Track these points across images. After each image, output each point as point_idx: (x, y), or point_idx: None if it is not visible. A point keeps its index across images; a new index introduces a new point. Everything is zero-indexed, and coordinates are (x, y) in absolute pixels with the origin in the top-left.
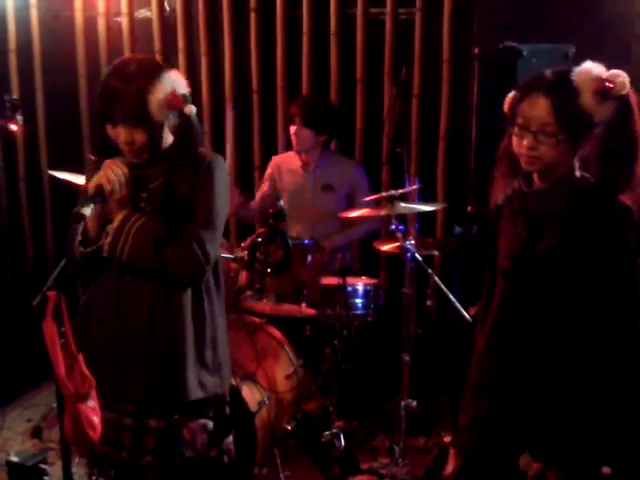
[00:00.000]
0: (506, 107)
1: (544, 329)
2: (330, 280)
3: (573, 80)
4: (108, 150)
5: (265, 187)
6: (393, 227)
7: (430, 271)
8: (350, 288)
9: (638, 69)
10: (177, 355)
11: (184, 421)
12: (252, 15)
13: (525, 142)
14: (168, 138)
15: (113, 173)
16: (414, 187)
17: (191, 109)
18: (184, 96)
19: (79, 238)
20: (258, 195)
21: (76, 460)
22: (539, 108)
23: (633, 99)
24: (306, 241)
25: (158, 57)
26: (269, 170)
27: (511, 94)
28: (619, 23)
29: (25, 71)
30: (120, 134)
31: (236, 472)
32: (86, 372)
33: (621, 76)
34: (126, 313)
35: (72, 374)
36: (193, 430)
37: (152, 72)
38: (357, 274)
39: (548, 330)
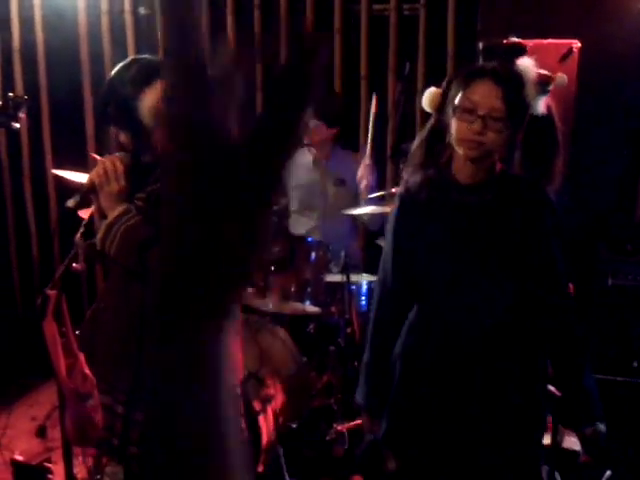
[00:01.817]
0: (429, 105)
1: (495, 322)
2: (334, 278)
3: (519, 71)
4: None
5: None
6: None
7: None
8: (354, 286)
9: None
10: None
11: None
12: (256, 12)
13: (474, 126)
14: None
15: (105, 167)
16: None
17: None
18: None
19: (82, 229)
20: None
21: (79, 459)
22: (489, 94)
23: (553, 104)
24: (310, 238)
25: (162, 55)
26: None
27: (430, 90)
28: (624, 18)
29: (29, 70)
30: (117, 134)
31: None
32: (87, 371)
33: (557, 74)
34: (120, 307)
35: (73, 373)
36: None
37: (147, 77)
38: (361, 271)
39: (487, 316)
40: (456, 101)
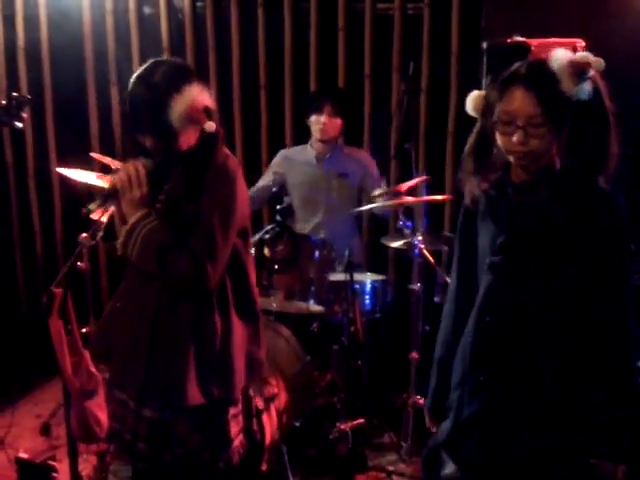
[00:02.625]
0: (472, 109)
1: (544, 322)
2: (337, 277)
3: (550, 67)
4: (136, 150)
5: (263, 182)
6: (401, 223)
7: (438, 267)
8: (357, 285)
9: None
10: (176, 359)
11: (177, 419)
12: (260, 10)
13: (515, 138)
14: (189, 141)
15: (127, 173)
16: (422, 178)
17: (210, 126)
18: (206, 110)
19: (100, 234)
20: (252, 190)
21: (84, 457)
22: (523, 101)
23: (603, 82)
24: (313, 237)
25: (166, 53)
26: (276, 163)
27: (473, 94)
28: (629, 17)
29: (34, 69)
30: (144, 139)
31: (244, 469)
32: (92, 369)
33: (591, 56)
34: (133, 309)
35: (78, 371)
36: (186, 430)
37: (175, 83)
38: (364, 270)
39: (549, 322)
40: (495, 114)
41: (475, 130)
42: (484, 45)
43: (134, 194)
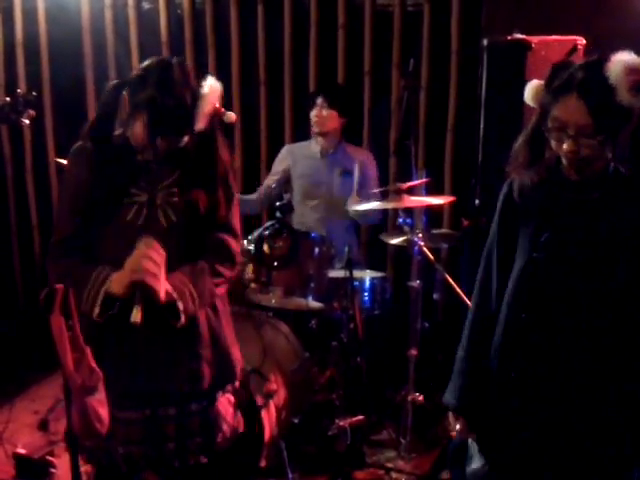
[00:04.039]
0: (530, 99)
1: (583, 322)
2: (337, 273)
3: (606, 76)
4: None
5: (270, 181)
6: (400, 220)
7: (437, 264)
8: (357, 281)
9: None
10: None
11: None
12: (259, 7)
13: (565, 147)
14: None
15: (154, 265)
16: (422, 180)
17: (230, 116)
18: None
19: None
20: (261, 189)
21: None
22: (574, 111)
23: None
24: (313, 234)
25: (165, 49)
26: (282, 156)
27: (533, 83)
28: (629, 14)
29: (32, 63)
30: (162, 142)
31: (243, 465)
32: (94, 365)
33: None
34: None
35: (80, 367)
36: (224, 404)
37: (195, 81)
38: (364, 267)
39: (583, 320)
40: (548, 117)
41: (532, 121)
42: (484, 42)
43: (148, 281)
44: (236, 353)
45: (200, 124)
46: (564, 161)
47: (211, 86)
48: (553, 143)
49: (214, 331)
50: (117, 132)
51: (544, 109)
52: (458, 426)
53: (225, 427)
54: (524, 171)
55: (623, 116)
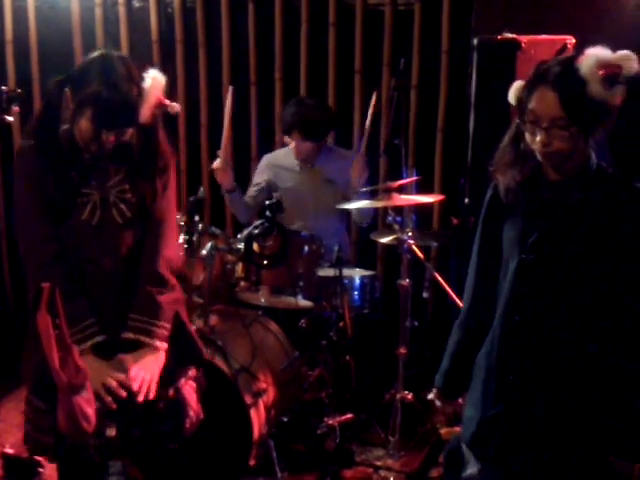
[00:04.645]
0: (512, 99)
1: (572, 320)
2: (326, 272)
3: (578, 70)
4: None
5: (252, 192)
6: (390, 219)
7: (427, 263)
8: (346, 280)
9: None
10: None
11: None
12: (250, 5)
13: (539, 138)
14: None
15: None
16: (412, 179)
17: (174, 107)
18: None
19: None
20: (250, 190)
21: None
22: (548, 103)
23: None
24: (302, 233)
25: (155, 47)
26: (261, 170)
27: (516, 84)
28: (618, 14)
29: (21, 61)
30: (108, 136)
31: (232, 463)
32: (80, 363)
33: (628, 58)
34: None
35: (66, 366)
36: (188, 390)
37: (139, 74)
38: (353, 266)
39: (575, 320)
40: (524, 111)
41: (514, 122)
42: (474, 41)
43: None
44: (196, 336)
45: (144, 117)
46: (539, 157)
47: (154, 78)
48: (528, 137)
49: (178, 317)
50: (63, 129)
51: (522, 105)
52: (438, 402)
53: (191, 413)
54: (508, 171)
55: (597, 110)
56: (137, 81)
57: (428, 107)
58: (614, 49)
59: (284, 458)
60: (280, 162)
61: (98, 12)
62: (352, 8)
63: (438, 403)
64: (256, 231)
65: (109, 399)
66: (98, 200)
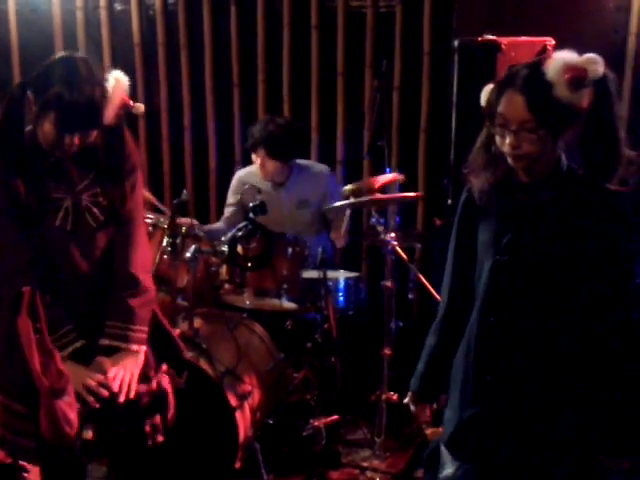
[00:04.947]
0: (483, 102)
1: (546, 320)
2: (311, 274)
3: (545, 73)
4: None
5: (232, 200)
6: (373, 220)
7: (411, 264)
8: (331, 282)
9: (617, 62)
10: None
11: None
12: (232, 8)
13: (508, 141)
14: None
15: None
16: (394, 176)
17: (139, 107)
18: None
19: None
20: (227, 210)
21: None
22: (516, 107)
23: (612, 81)
24: (287, 235)
25: (137, 50)
26: (234, 189)
27: (487, 87)
28: (599, 16)
29: (2, 64)
30: (72, 139)
31: (218, 466)
32: (62, 367)
33: (594, 61)
34: None
35: (48, 370)
36: (166, 383)
37: (101, 75)
38: (338, 267)
39: (549, 321)
40: (495, 118)
41: (485, 125)
42: (455, 43)
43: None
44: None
45: (108, 118)
46: (509, 159)
47: (117, 79)
48: (498, 140)
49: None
50: (26, 132)
51: (492, 108)
52: (412, 407)
53: (171, 404)
54: (481, 174)
55: (564, 113)
56: (100, 82)
57: (410, 108)
58: (594, 50)
59: (270, 460)
60: (252, 180)
61: (79, 15)
62: (334, 11)
63: (412, 407)
64: (240, 233)
65: (91, 399)
66: (70, 205)
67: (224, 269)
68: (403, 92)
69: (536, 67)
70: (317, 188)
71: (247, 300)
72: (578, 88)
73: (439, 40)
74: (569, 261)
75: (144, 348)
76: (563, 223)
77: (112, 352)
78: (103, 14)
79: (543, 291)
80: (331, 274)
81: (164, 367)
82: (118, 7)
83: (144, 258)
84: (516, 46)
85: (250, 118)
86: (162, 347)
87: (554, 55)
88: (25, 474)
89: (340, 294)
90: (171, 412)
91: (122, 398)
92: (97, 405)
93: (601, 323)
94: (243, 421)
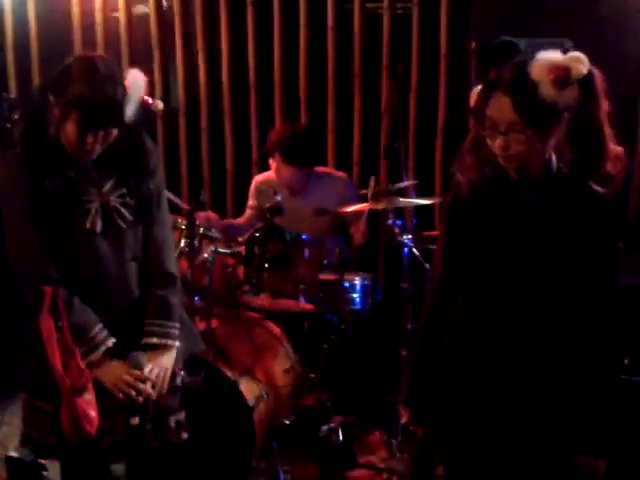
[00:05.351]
0: (472, 103)
1: (537, 320)
2: (328, 275)
3: (529, 73)
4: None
5: (252, 202)
6: (391, 222)
7: (427, 266)
8: (348, 283)
9: (635, 64)
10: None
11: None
12: (249, 9)
13: (497, 143)
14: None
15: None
16: (412, 182)
17: (158, 104)
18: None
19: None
20: (248, 212)
21: None
22: (503, 108)
23: (598, 79)
24: (304, 236)
25: (156, 53)
26: (252, 194)
27: (476, 89)
28: (617, 18)
29: (22, 66)
30: (95, 138)
31: (235, 466)
32: (83, 366)
33: (578, 60)
34: None
35: (69, 368)
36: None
37: (120, 74)
38: (355, 269)
39: (542, 320)
40: (479, 113)
41: (474, 126)
42: (473, 45)
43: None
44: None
45: (129, 117)
46: (500, 160)
47: (136, 77)
48: (489, 142)
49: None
50: (50, 135)
51: (479, 111)
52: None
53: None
54: (470, 174)
55: (551, 112)
56: (120, 81)
57: (427, 110)
58: (613, 53)
59: (287, 460)
60: (270, 186)
61: (98, 17)
62: (350, 12)
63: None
64: (257, 234)
65: (133, 393)
66: (99, 207)
67: (241, 270)
68: (420, 94)
69: (521, 68)
70: (336, 196)
71: (264, 301)
72: (563, 87)
73: (456, 42)
74: (563, 261)
75: (178, 343)
76: (556, 222)
77: (146, 348)
78: (122, 16)
79: (538, 290)
80: (348, 275)
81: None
82: (136, 10)
83: (175, 259)
84: (534, 47)
85: (267, 119)
86: (186, 343)
87: (537, 55)
88: (45, 472)
89: (357, 295)
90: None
91: (155, 395)
92: (140, 399)
93: (585, 321)
94: (260, 421)
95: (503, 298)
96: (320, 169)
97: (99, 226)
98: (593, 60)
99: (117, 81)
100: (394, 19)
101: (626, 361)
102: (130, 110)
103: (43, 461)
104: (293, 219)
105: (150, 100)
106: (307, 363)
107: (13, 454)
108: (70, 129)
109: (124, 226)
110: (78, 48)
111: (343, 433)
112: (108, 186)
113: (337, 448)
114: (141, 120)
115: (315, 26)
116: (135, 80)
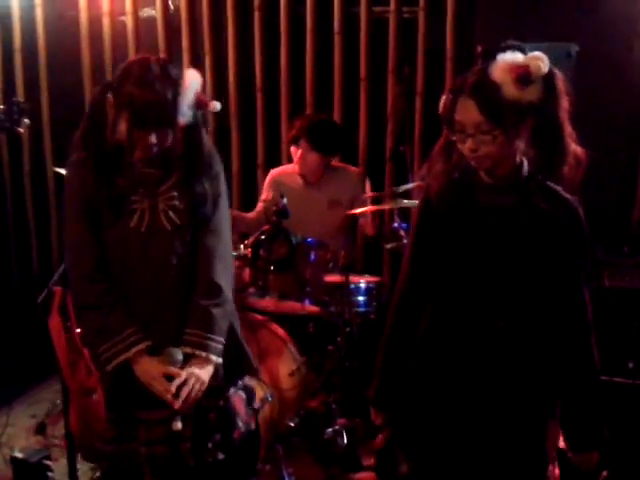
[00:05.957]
0: (440, 111)
1: (511, 322)
2: (333, 278)
3: (491, 75)
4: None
5: (265, 195)
6: (396, 225)
7: None
8: (353, 285)
9: None
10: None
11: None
12: (256, 14)
13: (467, 145)
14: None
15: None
16: (417, 184)
17: (216, 105)
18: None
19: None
20: (260, 205)
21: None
22: (468, 111)
23: (559, 78)
24: (309, 239)
25: (162, 56)
26: (268, 186)
27: (444, 97)
28: (622, 22)
29: (30, 70)
30: (147, 138)
31: (239, 468)
32: (91, 366)
33: (538, 58)
34: None
35: (77, 368)
36: (238, 400)
37: (177, 73)
38: (360, 272)
39: (516, 323)
40: (448, 118)
41: (444, 131)
42: (478, 49)
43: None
44: (247, 348)
45: (184, 117)
46: (472, 162)
47: (191, 78)
48: (459, 145)
49: (231, 325)
50: (110, 136)
51: (448, 117)
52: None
53: (240, 423)
54: (440, 178)
55: (515, 110)
56: (173, 81)
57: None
58: (617, 56)
59: (291, 462)
60: (286, 179)
61: (106, 21)
62: (357, 16)
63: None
64: (263, 237)
65: (167, 385)
66: (147, 207)
67: (247, 272)
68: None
69: (483, 71)
70: (349, 189)
71: (269, 303)
72: (524, 85)
73: (462, 46)
74: (528, 262)
75: (220, 360)
76: (526, 226)
77: (186, 357)
78: (129, 20)
79: (510, 290)
80: (353, 278)
81: (240, 383)
82: (143, 13)
83: (228, 271)
84: (540, 52)
85: (273, 123)
86: (235, 364)
87: (498, 58)
88: (50, 473)
89: (362, 298)
90: (239, 431)
91: (178, 405)
92: (173, 390)
93: (569, 320)
94: (265, 423)
95: (471, 303)
96: (335, 162)
97: (144, 226)
98: (599, 64)
99: (169, 81)
100: (400, 23)
101: (631, 365)
102: (185, 111)
103: (48, 462)
104: (306, 212)
105: (206, 100)
106: (312, 365)
107: (18, 455)
108: (122, 128)
109: (169, 228)
110: (86, 53)
111: (348, 435)
112: (164, 187)
113: (342, 451)
114: (199, 122)
115: (321, 30)
116: (191, 81)
